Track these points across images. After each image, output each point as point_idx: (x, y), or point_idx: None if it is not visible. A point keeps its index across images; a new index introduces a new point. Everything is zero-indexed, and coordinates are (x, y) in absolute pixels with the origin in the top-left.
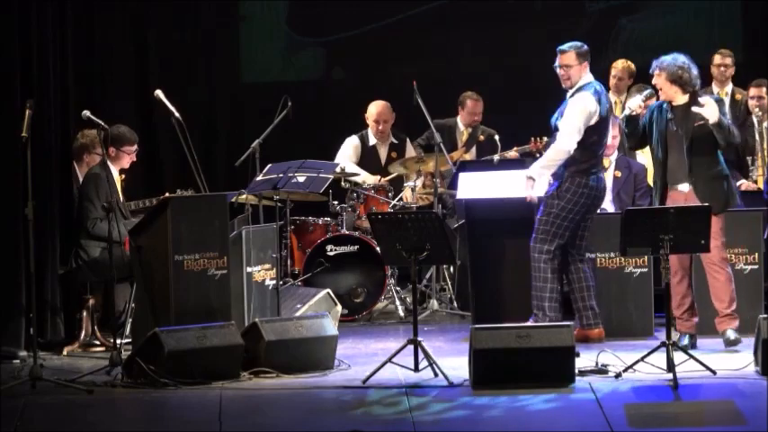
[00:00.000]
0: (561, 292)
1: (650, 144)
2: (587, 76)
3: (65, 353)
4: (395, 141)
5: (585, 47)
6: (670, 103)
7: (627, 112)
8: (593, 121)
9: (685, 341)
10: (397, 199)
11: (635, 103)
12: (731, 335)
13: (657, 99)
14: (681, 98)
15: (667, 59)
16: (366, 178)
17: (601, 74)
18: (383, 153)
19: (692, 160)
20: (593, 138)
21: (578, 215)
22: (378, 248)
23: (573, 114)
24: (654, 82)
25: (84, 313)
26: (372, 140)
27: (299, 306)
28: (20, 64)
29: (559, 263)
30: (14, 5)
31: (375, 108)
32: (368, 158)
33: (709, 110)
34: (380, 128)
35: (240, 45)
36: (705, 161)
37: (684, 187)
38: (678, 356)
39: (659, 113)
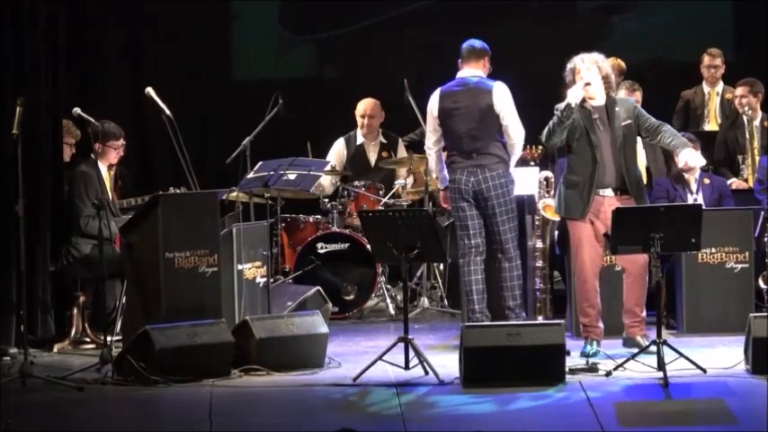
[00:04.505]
0: (480, 289)
1: (573, 143)
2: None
3: (55, 350)
4: (384, 141)
5: (464, 46)
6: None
7: (573, 101)
8: (431, 118)
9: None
10: (388, 196)
11: (579, 92)
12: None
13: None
14: (602, 98)
15: (600, 56)
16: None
17: None
18: (372, 153)
19: (624, 161)
20: (442, 134)
21: (457, 211)
22: (368, 246)
23: None
24: (582, 75)
25: (75, 310)
26: (360, 140)
27: (289, 304)
28: (12, 62)
29: (473, 263)
30: (6, 3)
31: (362, 104)
32: (356, 158)
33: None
34: (366, 122)
35: (232, 43)
36: (633, 161)
37: (609, 192)
38: (669, 355)
39: (580, 112)
